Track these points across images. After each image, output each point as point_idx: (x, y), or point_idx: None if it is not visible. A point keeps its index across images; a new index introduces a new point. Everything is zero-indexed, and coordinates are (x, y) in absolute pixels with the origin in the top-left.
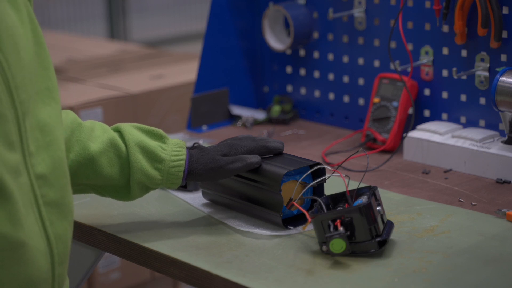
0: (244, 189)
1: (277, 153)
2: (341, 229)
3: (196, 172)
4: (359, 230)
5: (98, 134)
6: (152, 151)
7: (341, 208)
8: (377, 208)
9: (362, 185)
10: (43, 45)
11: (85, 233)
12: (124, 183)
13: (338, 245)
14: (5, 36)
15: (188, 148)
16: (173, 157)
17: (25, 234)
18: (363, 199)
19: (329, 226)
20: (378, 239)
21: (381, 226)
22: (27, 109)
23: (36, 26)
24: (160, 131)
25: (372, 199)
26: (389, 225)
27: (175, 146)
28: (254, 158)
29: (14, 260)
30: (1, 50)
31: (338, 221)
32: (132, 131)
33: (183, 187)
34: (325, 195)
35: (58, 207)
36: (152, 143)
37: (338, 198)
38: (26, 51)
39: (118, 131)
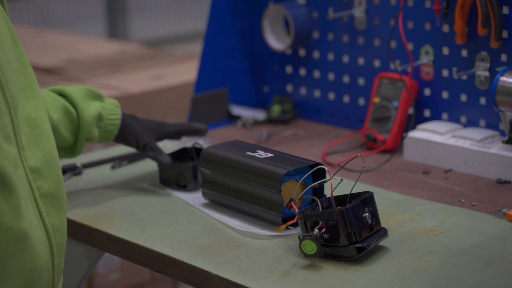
0: (244, 189)
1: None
2: (316, 231)
3: (131, 127)
4: (340, 234)
5: (51, 102)
6: (97, 112)
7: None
8: (364, 214)
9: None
10: (19, 43)
11: (85, 233)
12: (73, 143)
13: (309, 246)
14: None
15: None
16: (110, 116)
17: (27, 225)
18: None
19: (312, 226)
20: (358, 245)
21: (364, 233)
22: (17, 104)
23: (11, 26)
24: (95, 90)
25: (358, 204)
26: (379, 233)
27: (112, 105)
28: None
29: (20, 251)
30: None
31: (323, 223)
32: (77, 92)
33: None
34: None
35: (53, 198)
36: (96, 105)
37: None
38: (9, 49)
39: (64, 95)
